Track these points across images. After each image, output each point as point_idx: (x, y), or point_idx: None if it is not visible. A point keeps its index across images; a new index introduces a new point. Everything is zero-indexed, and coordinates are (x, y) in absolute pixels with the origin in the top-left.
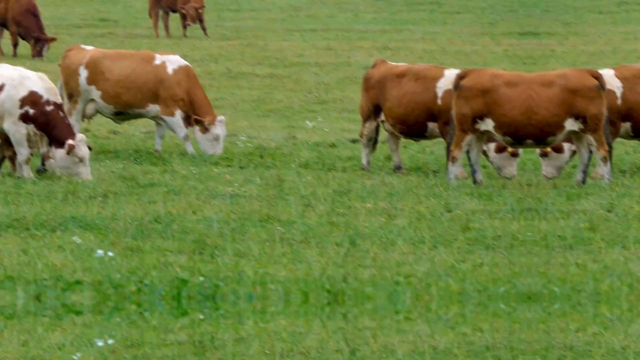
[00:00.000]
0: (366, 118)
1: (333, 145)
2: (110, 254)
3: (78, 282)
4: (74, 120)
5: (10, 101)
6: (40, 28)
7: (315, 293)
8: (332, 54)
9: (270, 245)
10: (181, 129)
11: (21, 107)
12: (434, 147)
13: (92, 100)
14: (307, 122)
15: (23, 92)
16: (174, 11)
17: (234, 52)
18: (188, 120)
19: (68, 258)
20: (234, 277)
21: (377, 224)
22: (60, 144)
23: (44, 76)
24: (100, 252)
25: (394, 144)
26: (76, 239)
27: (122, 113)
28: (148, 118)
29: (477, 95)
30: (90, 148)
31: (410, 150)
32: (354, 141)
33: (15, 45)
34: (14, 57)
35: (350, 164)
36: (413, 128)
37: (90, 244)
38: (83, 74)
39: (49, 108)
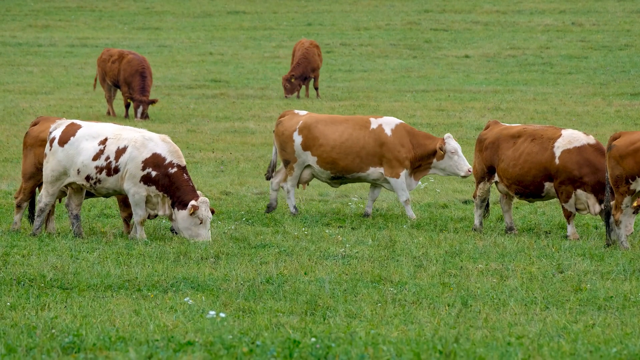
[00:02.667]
0: (480, 179)
1: (445, 206)
2: (222, 314)
3: (190, 343)
4: (289, 186)
5: (133, 163)
6: (142, 89)
7: (427, 354)
8: (444, 114)
9: (382, 306)
10: (404, 193)
11: (143, 169)
12: (546, 208)
13: (309, 165)
14: (419, 183)
15: (146, 154)
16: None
17: (346, 112)
18: (417, 170)
19: (180, 319)
20: (345, 338)
21: (488, 285)
22: (183, 205)
23: (167, 138)
24: (212, 313)
25: (507, 204)
26: (188, 300)
27: (340, 177)
28: (367, 182)
29: (628, 155)
30: (213, 211)
31: (522, 211)
32: (465, 202)
33: (127, 106)
34: (126, 118)
35: (462, 225)
36: (529, 188)
37: (202, 305)
38: (297, 139)
39: (172, 170)
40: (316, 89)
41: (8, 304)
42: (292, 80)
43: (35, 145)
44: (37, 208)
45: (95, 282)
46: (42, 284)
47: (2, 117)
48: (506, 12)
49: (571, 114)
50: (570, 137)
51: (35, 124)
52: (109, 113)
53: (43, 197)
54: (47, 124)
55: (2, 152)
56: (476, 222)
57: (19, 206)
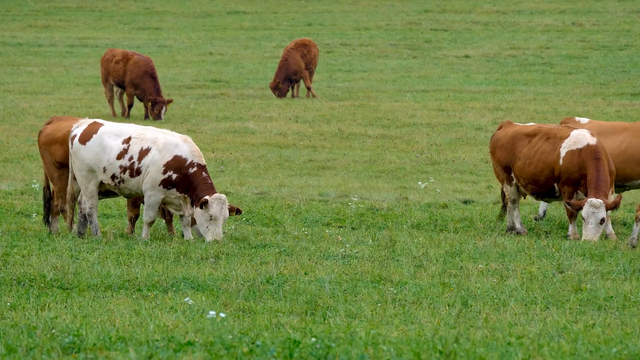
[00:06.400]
0: (501, 181)
1: (445, 206)
2: (222, 314)
3: (190, 343)
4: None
5: (155, 166)
6: (157, 91)
7: (427, 354)
8: (444, 114)
9: (382, 306)
10: None
11: (164, 172)
12: (546, 208)
13: None
14: (419, 183)
15: (168, 157)
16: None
17: (346, 112)
18: None
19: (180, 319)
20: (345, 338)
21: (489, 285)
22: (199, 202)
23: (189, 139)
24: (212, 313)
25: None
26: (188, 300)
27: (622, 186)
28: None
29: None
30: (239, 211)
31: (522, 211)
32: (465, 202)
33: (130, 106)
34: (126, 118)
35: (462, 225)
36: (543, 188)
37: (202, 305)
38: None
39: (192, 170)
40: (308, 88)
41: (8, 304)
42: (280, 86)
43: (50, 143)
44: (80, 214)
45: (96, 282)
46: (42, 284)
47: (2, 117)
48: (506, 12)
49: (571, 114)
50: (576, 138)
51: (49, 124)
52: (122, 113)
53: (85, 202)
54: (61, 122)
55: (2, 152)
56: (516, 224)
57: (62, 211)
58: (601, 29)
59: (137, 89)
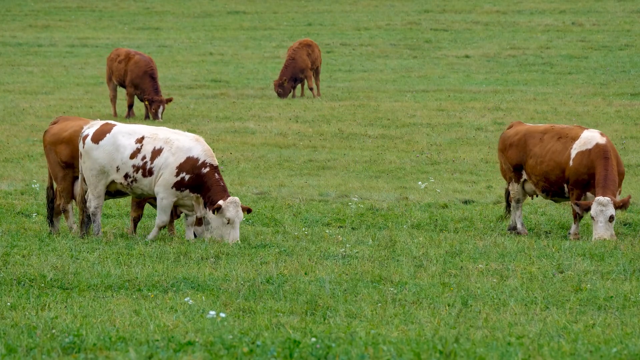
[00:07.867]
0: (508, 180)
1: (445, 206)
2: (222, 314)
3: (190, 343)
4: None
5: (167, 168)
6: (156, 90)
7: (427, 354)
8: (444, 114)
9: (382, 306)
10: None
11: (177, 174)
12: (546, 208)
13: None
14: (419, 183)
15: (180, 159)
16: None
17: (346, 112)
18: None
19: (180, 319)
20: (345, 338)
21: (489, 285)
22: (213, 205)
23: (201, 138)
24: (212, 313)
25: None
26: (188, 300)
27: None
28: None
29: None
30: (249, 210)
31: (523, 211)
32: (465, 202)
33: (130, 106)
34: (127, 118)
35: (462, 225)
36: (554, 187)
37: (202, 305)
38: None
39: (205, 170)
40: (310, 89)
41: (8, 304)
42: (285, 84)
43: (56, 143)
44: (85, 214)
45: (96, 282)
46: (43, 284)
47: (2, 117)
48: (506, 12)
49: (571, 114)
50: (586, 139)
51: (54, 123)
52: (127, 114)
53: (91, 201)
54: (67, 122)
55: (2, 152)
56: (517, 224)
57: (64, 211)
58: (601, 29)
59: (137, 89)
